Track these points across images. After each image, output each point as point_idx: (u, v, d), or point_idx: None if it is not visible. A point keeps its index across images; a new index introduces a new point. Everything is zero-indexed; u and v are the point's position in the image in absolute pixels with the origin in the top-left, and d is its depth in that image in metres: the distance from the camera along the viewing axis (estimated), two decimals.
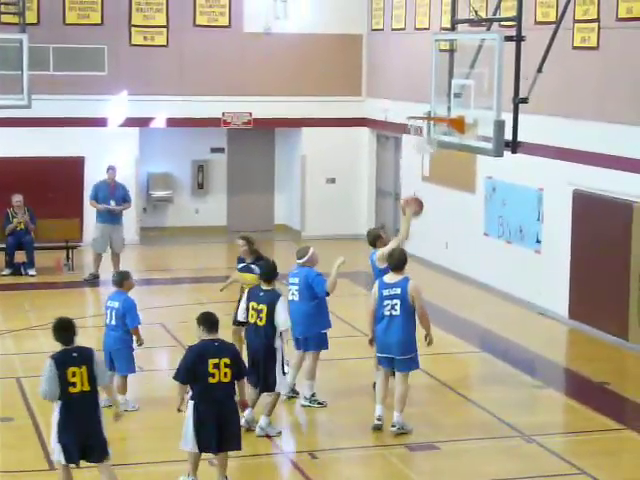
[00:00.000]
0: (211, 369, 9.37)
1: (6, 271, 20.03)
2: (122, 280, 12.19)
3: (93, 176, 21.59)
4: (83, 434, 8.87)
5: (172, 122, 23.96)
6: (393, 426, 11.49)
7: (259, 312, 11.31)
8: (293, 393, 12.68)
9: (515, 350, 15.37)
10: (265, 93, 24.03)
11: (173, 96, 23.58)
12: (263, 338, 11.27)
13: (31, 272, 19.81)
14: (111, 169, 20.05)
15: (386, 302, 11.44)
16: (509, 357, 14.98)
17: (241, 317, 11.67)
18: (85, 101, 22.89)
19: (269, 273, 11.59)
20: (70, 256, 20.52)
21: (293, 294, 12.41)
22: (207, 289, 18.10)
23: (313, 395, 12.51)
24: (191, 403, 9.47)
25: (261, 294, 11.41)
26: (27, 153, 22.47)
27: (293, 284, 12.44)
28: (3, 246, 20.13)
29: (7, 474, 10.06)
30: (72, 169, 23.05)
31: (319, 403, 12.48)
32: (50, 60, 23.02)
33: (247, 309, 11.46)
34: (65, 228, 20.90)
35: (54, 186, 22.26)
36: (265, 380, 11.25)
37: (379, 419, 11.59)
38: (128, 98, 23.48)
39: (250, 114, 24.22)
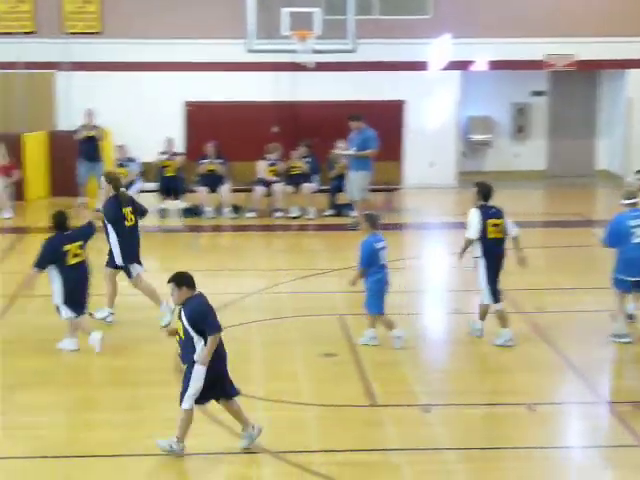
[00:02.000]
0: None
1: (329, 212, 20.69)
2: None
3: (413, 120, 21.80)
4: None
5: (493, 65, 23.75)
6: None
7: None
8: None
9: None
10: (588, 34, 23.32)
11: (495, 38, 23.34)
12: None
13: (352, 213, 20.30)
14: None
15: None
16: None
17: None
18: (408, 45, 23.08)
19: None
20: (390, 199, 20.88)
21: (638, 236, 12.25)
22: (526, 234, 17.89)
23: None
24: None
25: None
26: (350, 97, 22.94)
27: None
28: (327, 187, 20.79)
29: (329, 407, 10.41)
30: (392, 113, 23.35)
31: None
32: (377, 4, 23.34)
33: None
34: (386, 171, 21.23)
35: (375, 130, 22.63)
36: None
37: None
38: (451, 41, 23.45)
39: (573, 56, 23.62)
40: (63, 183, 22.51)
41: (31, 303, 14.32)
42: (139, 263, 13.49)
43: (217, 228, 20.31)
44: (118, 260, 13.28)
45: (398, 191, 21.57)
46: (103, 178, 13.73)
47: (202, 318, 8.91)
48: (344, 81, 23.18)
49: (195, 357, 8.92)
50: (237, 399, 9.36)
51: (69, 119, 22.98)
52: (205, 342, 8.90)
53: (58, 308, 12.07)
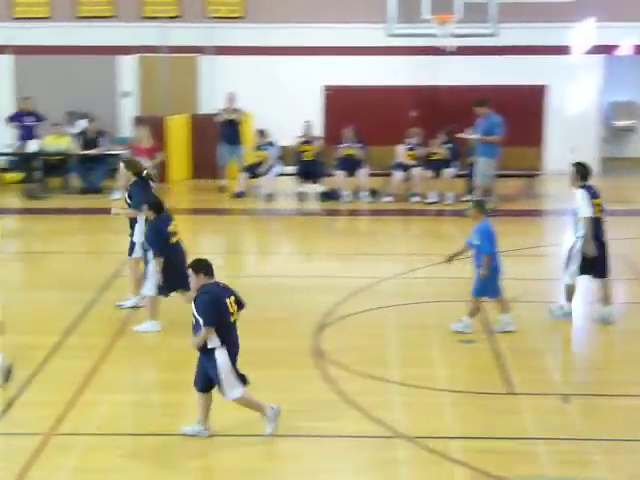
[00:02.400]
0: None
1: (467, 197, 20.56)
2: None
3: (556, 105, 21.47)
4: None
5: (638, 49, 23.21)
6: None
7: None
8: None
9: None
10: None
11: None
12: None
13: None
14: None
15: None
16: None
17: None
18: (550, 29, 22.72)
19: None
20: (530, 185, 20.62)
21: None
22: None
23: None
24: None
25: None
26: (490, 82, 22.71)
27: None
28: (466, 172, 20.66)
29: (466, 394, 10.35)
30: (534, 98, 23.03)
31: None
32: None
33: None
34: (526, 156, 20.97)
35: (515, 115, 22.33)
36: None
37: None
38: (594, 25, 22.99)
39: None
40: (204, 165, 22.89)
41: None
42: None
43: (354, 212, 20.37)
44: (137, 238, 13.20)
45: (539, 177, 21.29)
46: (121, 165, 13.65)
47: (202, 309, 9.00)
48: (484, 65, 22.97)
49: (209, 345, 9.03)
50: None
51: (211, 102, 23.34)
52: (218, 331, 9.01)
53: (145, 286, 12.28)
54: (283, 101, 23.48)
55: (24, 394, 10.15)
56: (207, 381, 9.16)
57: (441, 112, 22.97)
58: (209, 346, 9.03)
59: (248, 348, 11.64)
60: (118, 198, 20.86)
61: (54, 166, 21.90)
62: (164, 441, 9.21)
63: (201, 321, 8.97)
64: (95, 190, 21.49)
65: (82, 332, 12.19)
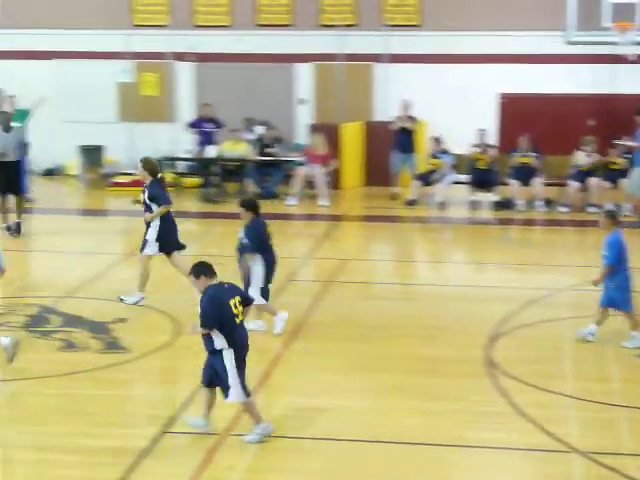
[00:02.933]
0: None
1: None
2: None
3: None
4: None
5: None
6: None
7: None
8: None
9: None
10: None
11: None
12: None
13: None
14: None
15: None
16: None
17: None
18: None
19: None
20: None
21: None
22: None
23: None
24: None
25: None
26: None
27: None
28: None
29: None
30: None
31: None
32: None
33: None
34: None
35: None
36: None
37: None
38: None
39: None
40: (377, 173, 23.00)
41: (346, 289, 14.78)
42: (178, 246, 13.76)
43: (528, 222, 20.14)
44: (150, 236, 13.50)
45: None
46: (139, 164, 13.98)
47: (202, 311, 9.06)
48: None
49: (216, 346, 9.08)
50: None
51: (385, 110, 23.45)
52: (222, 332, 9.05)
53: (252, 295, 12.33)
54: (457, 109, 23.40)
55: (200, 394, 10.41)
56: (212, 377, 9.27)
57: (620, 121, 22.45)
58: (216, 347, 9.12)
59: (418, 356, 11.72)
60: (293, 204, 21.20)
61: (231, 171, 22.38)
62: (336, 445, 9.30)
63: (198, 321, 9.09)
64: (270, 195, 21.87)
65: (257, 334, 12.41)
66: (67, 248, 17.22)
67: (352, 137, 23.21)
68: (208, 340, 9.15)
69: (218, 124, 22.89)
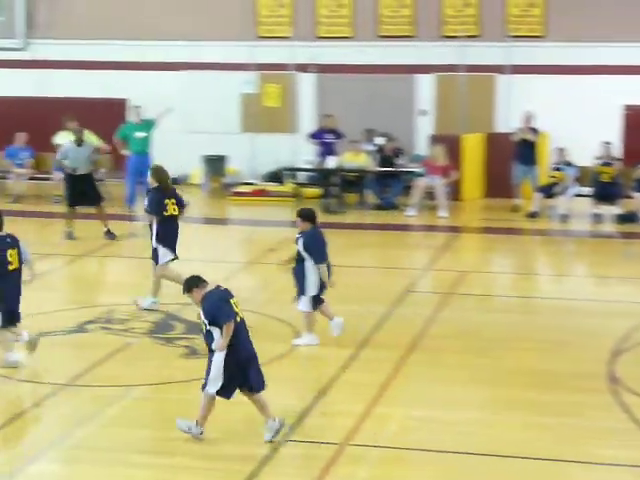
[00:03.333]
0: None
1: None
2: None
3: None
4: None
5: None
6: None
7: None
8: None
9: None
10: None
11: None
12: None
13: None
14: None
15: None
16: None
17: None
18: None
19: None
20: None
21: None
22: None
23: None
24: None
25: None
26: None
27: None
28: None
29: None
30: None
31: None
32: None
33: None
34: None
35: None
36: None
37: None
38: None
39: None
40: (498, 185, 22.83)
41: (466, 301, 14.73)
42: (173, 252, 14.08)
43: None
44: (152, 243, 14.01)
45: None
46: (149, 172, 14.58)
47: (212, 312, 9.30)
48: None
49: (213, 346, 9.30)
50: (263, 394, 9.54)
51: (507, 121, 23.28)
52: (221, 331, 9.28)
53: (300, 299, 12.42)
54: (581, 121, 23.08)
55: (319, 404, 10.51)
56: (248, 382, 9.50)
57: None
58: (212, 346, 9.37)
59: (537, 370, 11.63)
60: (412, 215, 21.20)
61: (351, 182, 22.49)
62: (453, 457, 9.29)
63: (212, 326, 9.30)
64: (390, 206, 21.90)
65: (376, 345, 12.48)
66: (190, 256, 17.50)
67: (473, 148, 23.10)
68: (210, 340, 9.42)
69: (339, 135, 23.02)
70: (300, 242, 12.29)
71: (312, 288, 12.34)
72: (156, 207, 13.97)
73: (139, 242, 19.29)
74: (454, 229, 20.32)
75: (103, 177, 22.59)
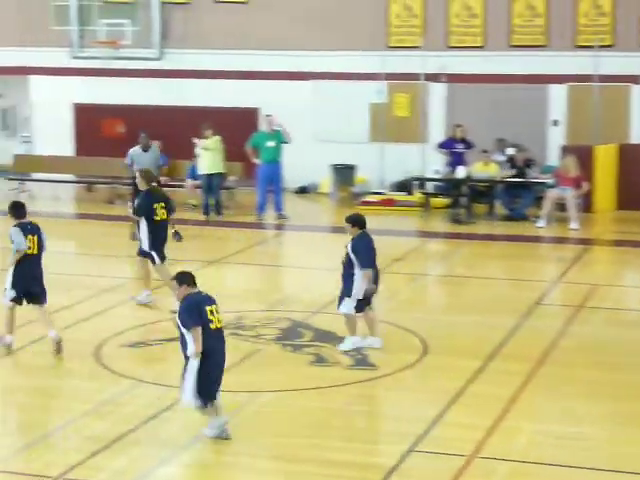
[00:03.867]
0: None
1: None
2: None
3: None
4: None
5: None
6: None
7: None
8: None
9: None
10: None
11: None
12: None
13: None
14: None
15: None
16: None
17: None
18: None
19: None
20: None
21: None
22: None
23: None
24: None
25: None
26: None
27: None
28: None
29: None
30: None
31: None
32: None
33: None
34: None
35: None
36: None
37: None
38: None
39: None
40: (631, 196, 22.37)
41: (596, 314, 14.48)
42: (162, 254, 14.46)
43: None
44: (145, 247, 14.42)
45: None
46: (137, 174, 14.87)
47: (183, 315, 9.38)
48: None
49: (187, 352, 9.37)
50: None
51: None
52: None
53: (344, 301, 12.41)
54: None
55: (448, 415, 10.44)
56: None
57: None
58: (187, 354, 9.41)
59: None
60: (542, 226, 20.92)
61: (481, 192, 22.31)
62: (577, 473, 9.12)
63: (184, 329, 9.37)
64: (520, 217, 21.64)
65: (504, 358, 12.34)
66: (317, 264, 17.61)
67: (606, 159, 22.67)
68: (185, 345, 9.48)
69: (469, 145, 22.87)
70: (349, 246, 12.44)
71: (358, 292, 12.36)
72: (144, 211, 14.42)
73: (269, 250, 19.57)
74: (585, 241, 19.96)
75: (234, 185, 22.96)
